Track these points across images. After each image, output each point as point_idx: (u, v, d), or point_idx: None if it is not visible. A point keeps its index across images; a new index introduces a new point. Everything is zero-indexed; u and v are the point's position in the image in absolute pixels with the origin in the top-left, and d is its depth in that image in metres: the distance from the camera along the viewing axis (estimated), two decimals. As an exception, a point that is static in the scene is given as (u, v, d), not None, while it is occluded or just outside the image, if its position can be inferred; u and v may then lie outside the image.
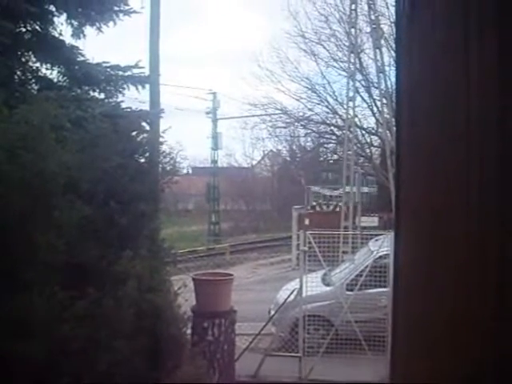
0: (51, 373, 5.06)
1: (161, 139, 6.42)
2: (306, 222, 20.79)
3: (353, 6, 20.34)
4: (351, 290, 10.15)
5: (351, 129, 20.46)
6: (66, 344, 5.04)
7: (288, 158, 38.07)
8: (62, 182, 5.24)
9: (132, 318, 5.27)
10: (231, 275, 9.06)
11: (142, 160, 5.89)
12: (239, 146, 51.31)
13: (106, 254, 5.38)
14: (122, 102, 8.66)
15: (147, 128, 7.61)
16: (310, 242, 9.90)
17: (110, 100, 8.88)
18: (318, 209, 23.29)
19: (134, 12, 9.56)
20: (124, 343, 5.18)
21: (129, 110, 8.18)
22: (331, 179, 31.27)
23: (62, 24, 9.25)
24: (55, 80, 9.29)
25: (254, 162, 40.84)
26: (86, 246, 5.30)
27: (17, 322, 5.01)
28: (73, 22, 9.29)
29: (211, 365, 7.84)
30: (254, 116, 30.07)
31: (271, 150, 38.06)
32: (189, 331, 7.35)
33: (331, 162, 32.89)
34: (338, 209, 20.86)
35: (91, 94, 8.92)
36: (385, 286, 9.38)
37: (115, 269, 5.33)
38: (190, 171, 38.96)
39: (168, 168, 6.35)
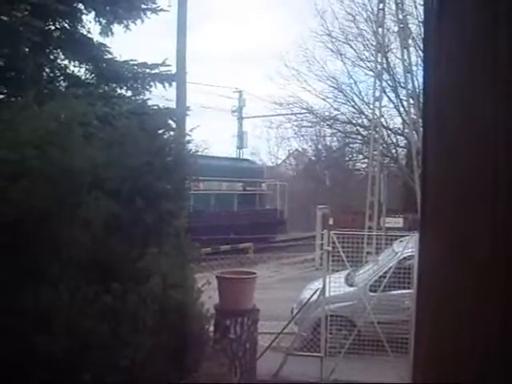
0: (74, 367, 5.12)
1: (187, 138, 6.46)
2: (330, 221, 20.71)
3: (380, 5, 20.20)
4: (374, 291, 10.08)
5: (377, 129, 20.32)
6: (90, 338, 5.09)
7: (313, 158, 37.97)
8: (88, 179, 5.29)
9: (155, 314, 5.30)
10: (254, 273, 9.04)
11: (169, 158, 5.92)
12: (264, 145, 51.32)
13: (131, 251, 5.43)
14: (149, 99, 8.73)
15: (173, 126, 7.65)
16: (333, 242, 9.85)
17: (137, 98, 8.96)
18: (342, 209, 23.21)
19: (162, 10, 9.64)
20: (147, 339, 5.22)
21: (155, 107, 8.23)
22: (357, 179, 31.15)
23: (90, 22, 9.38)
24: (83, 77, 9.39)
25: (279, 161, 40.85)
26: (111, 243, 5.35)
27: (41, 316, 5.08)
28: (101, 19, 9.39)
29: (233, 363, 7.85)
30: (279, 115, 30.07)
31: (296, 150, 38.03)
32: (211, 329, 7.38)
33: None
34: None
35: (118, 91, 9.00)
36: (408, 288, 9.30)
37: (140, 265, 5.37)
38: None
39: (194, 166, 6.37)
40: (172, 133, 6.86)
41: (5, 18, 7.80)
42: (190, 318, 5.64)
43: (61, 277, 5.08)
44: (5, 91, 8.31)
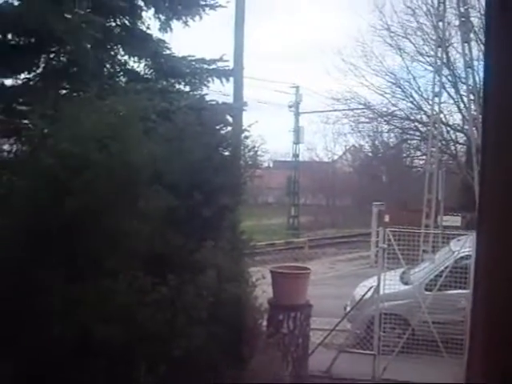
0: (129, 355, 5.25)
1: (246, 133, 6.51)
2: (386, 218, 20.45)
3: (441, -1, 19.78)
4: (430, 290, 9.94)
5: (436, 125, 19.92)
6: (145, 328, 5.21)
7: (370, 154, 37.55)
8: (148, 173, 5.41)
9: (210, 306, 5.38)
10: (308, 269, 9.05)
11: (226, 153, 5.98)
12: (321, 141, 50.97)
13: (188, 244, 5.52)
14: (207, 94, 8.81)
15: (231, 121, 7.71)
16: (389, 240, 9.75)
17: (195, 93, 9.05)
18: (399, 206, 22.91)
19: (220, 6, 9.69)
20: (201, 330, 5.30)
21: (213, 102, 8.30)
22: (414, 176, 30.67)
23: (149, 18, 9.52)
24: (142, 73, 9.55)
25: (336, 157, 40.57)
26: (168, 235, 5.46)
27: (100, 306, 5.23)
28: (160, 16, 9.53)
29: (285, 357, 7.88)
30: (336, 110, 29.80)
31: (353, 145, 37.67)
32: (264, 323, 7.42)
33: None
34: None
35: (176, 86, 9.12)
36: (465, 288, 9.11)
37: (196, 258, 5.46)
38: (271, 165, 39.09)
39: (250, 161, 6.42)
40: (230, 128, 6.92)
41: (68, 16, 8.01)
42: (244, 312, 5.70)
43: (119, 267, 5.21)
44: (67, 86, 8.55)
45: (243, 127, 6.82)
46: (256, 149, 6.40)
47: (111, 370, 5.21)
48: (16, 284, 5.36)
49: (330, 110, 30.12)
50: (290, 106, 33.37)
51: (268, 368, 5.87)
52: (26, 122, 7.52)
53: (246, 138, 6.44)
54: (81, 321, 5.19)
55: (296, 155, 34.25)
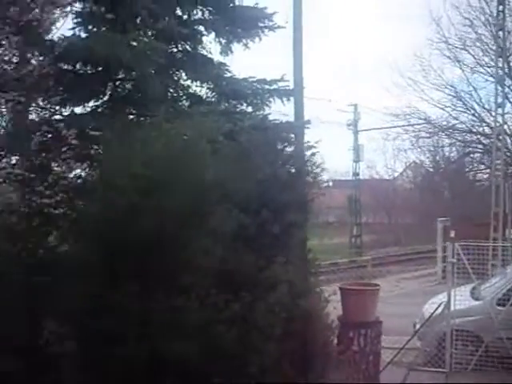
0: (204, 373, 5.30)
1: (312, 150, 6.55)
2: (452, 234, 20.00)
3: (500, 8, 19.42)
4: (503, 305, 9.67)
5: (500, 137, 19.50)
6: (219, 345, 5.25)
7: (431, 169, 36.92)
8: (218, 192, 5.50)
9: (283, 322, 5.39)
10: (377, 285, 8.94)
11: (292, 171, 6.04)
12: (380, 158, 50.38)
13: (259, 260, 5.57)
14: (269, 114, 8.91)
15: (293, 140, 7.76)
16: (458, 254, 9.56)
17: (258, 113, 9.16)
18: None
19: (279, 27, 9.81)
20: (275, 347, 5.31)
21: (277, 121, 8.40)
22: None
23: (210, 42, 9.72)
24: (204, 96, 9.74)
25: (396, 174, 40.04)
26: (239, 252, 5.53)
27: (173, 324, 5.31)
28: (221, 39, 9.72)
29: (356, 375, 7.79)
30: (396, 127, 29.53)
31: (414, 161, 37.13)
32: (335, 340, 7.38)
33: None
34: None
35: (239, 107, 9.26)
36: (540, 303, 8.85)
37: (267, 274, 5.50)
38: (331, 184, 38.85)
39: (316, 179, 6.46)
40: (293, 146, 6.98)
41: (134, 44, 8.29)
42: (317, 328, 5.69)
43: (192, 285, 5.30)
44: (134, 112, 8.81)
45: (309, 144, 6.85)
46: (321, 166, 6.44)
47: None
48: (92, 307, 5.50)
49: (390, 127, 29.92)
50: (349, 125, 33.26)
51: (341, 385, 5.82)
52: (96, 147, 7.78)
53: (313, 154, 6.48)
54: (154, 340, 5.28)
55: (356, 173, 34.01)
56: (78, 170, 8.09)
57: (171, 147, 5.63)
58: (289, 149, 6.78)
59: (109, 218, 5.51)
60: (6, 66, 8.13)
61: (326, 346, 5.81)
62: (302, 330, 5.51)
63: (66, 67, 8.56)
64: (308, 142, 6.99)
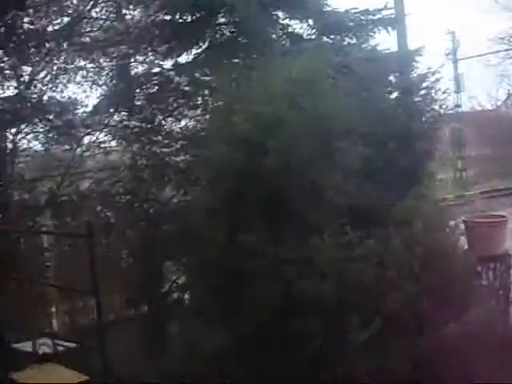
0: (341, 311, 5.20)
1: (437, 75, 6.17)
2: None
3: None
4: None
5: None
6: (356, 283, 5.13)
7: (539, 93, 34.71)
8: (341, 125, 5.31)
9: (419, 257, 5.19)
10: (505, 217, 8.51)
11: (417, 98, 5.70)
12: (482, 87, 47.73)
13: (389, 195, 5.37)
14: (378, 45, 8.51)
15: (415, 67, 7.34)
16: None
17: (364, 45, 8.78)
18: None
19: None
20: (413, 283, 5.13)
21: (387, 51, 8.01)
22: None
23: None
24: (305, 34, 9.42)
25: (499, 103, 37.90)
26: (367, 187, 5.34)
27: (308, 263, 5.22)
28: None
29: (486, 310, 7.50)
30: (498, 51, 27.81)
31: (518, 87, 34.96)
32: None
33: None
34: None
35: (346, 41, 8.91)
36: None
37: (399, 209, 5.29)
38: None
39: (440, 107, 6.10)
40: (415, 74, 6.61)
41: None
42: (455, 262, 5.44)
43: (324, 222, 5.17)
44: (240, 55, 8.64)
45: (432, 70, 6.44)
46: (446, 91, 6.06)
47: (322, 327, 5.19)
48: (222, 251, 5.50)
49: (491, 52, 28.20)
50: (447, 54, 31.63)
51: (486, 320, 5.58)
52: (206, 93, 7.73)
53: (438, 80, 6.11)
54: (289, 280, 5.22)
55: (458, 105, 32.47)
56: (190, 119, 8.09)
57: (290, 83, 5.46)
58: (412, 75, 6.40)
59: (232, 161, 5.43)
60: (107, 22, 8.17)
61: (465, 279, 5.56)
62: (440, 265, 5.26)
63: (166, 18, 8.49)
64: (429, 68, 6.58)
